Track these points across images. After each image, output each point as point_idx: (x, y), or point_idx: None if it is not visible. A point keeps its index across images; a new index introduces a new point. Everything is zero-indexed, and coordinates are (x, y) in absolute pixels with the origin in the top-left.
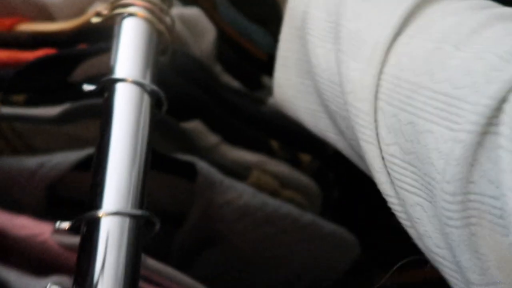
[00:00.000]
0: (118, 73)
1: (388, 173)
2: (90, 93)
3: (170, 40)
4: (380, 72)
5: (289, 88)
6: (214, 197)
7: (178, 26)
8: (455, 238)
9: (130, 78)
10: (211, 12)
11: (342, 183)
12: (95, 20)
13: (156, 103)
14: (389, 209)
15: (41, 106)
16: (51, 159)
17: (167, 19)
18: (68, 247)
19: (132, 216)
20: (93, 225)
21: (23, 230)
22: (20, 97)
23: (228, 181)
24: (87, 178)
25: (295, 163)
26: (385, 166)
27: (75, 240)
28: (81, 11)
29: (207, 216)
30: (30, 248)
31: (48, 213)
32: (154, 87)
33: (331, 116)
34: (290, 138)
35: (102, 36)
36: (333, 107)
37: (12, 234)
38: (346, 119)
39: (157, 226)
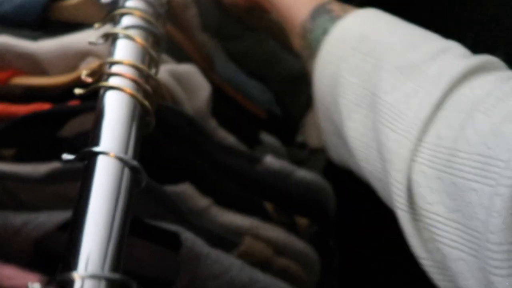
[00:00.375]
0: (101, 145)
1: (420, 235)
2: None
3: (153, 113)
4: (419, 142)
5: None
6: (199, 270)
7: (170, 83)
8: (501, 287)
9: (112, 152)
10: (207, 69)
11: (343, 249)
12: (78, 91)
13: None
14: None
15: (29, 163)
16: (36, 217)
17: (152, 83)
18: None
19: (107, 280)
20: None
21: (9, 281)
22: (10, 151)
23: (214, 253)
24: None
25: (291, 227)
26: (418, 229)
27: None
28: (73, 66)
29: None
30: None
31: (37, 266)
32: (135, 164)
33: (362, 172)
34: (287, 200)
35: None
36: (368, 168)
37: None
38: (383, 181)
39: None
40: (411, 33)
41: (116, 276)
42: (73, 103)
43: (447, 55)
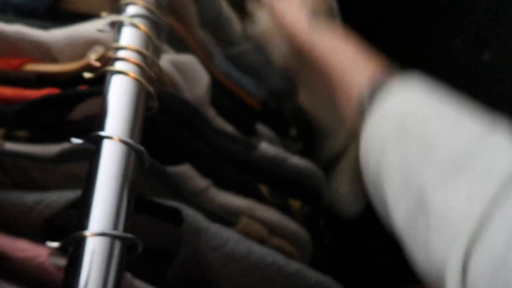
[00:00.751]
0: (107, 130)
1: None
2: (86, 133)
3: (156, 97)
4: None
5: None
6: (200, 244)
7: (171, 71)
8: None
9: (117, 137)
10: (206, 62)
11: (333, 230)
12: (87, 75)
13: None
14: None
15: (42, 144)
16: (47, 197)
17: (156, 69)
18: (62, 269)
19: (116, 237)
20: (80, 245)
21: (22, 252)
22: (23, 133)
23: (213, 228)
24: None
25: (284, 209)
26: None
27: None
28: (81, 54)
29: (195, 260)
30: (29, 270)
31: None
32: (139, 147)
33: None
34: (280, 184)
35: (100, 78)
36: (414, 250)
37: (13, 256)
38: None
39: (140, 248)
40: (455, 112)
41: (124, 234)
42: (82, 88)
43: (494, 140)
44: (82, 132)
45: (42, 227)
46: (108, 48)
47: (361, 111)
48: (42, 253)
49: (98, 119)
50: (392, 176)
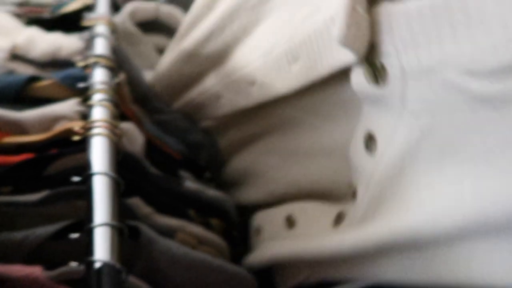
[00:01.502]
0: (95, 169)
1: None
2: (65, 183)
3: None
4: None
5: None
6: (153, 251)
7: None
8: None
9: (104, 172)
10: (139, 126)
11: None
12: (75, 138)
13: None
14: None
15: (24, 194)
16: (34, 231)
17: (118, 132)
18: (55, 279)
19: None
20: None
21: (19, 272)
22: (7, 188)
23: (161, 238)
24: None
25: (208, 225)
26: None
27: (60, 270)
28: (49, 127)
29: (148, 264)
30: (27, 285)
31: None
32: (119, 179)
33: None
34: (203, 208)
35: (66, 143)
36: None
37: (12, 276)
38: None
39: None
40: None
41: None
42: (53, 151)
43: None
44: (56, 183)
45: (26, 260)
46: (89, 121)
47: None
48: (36, 269)
49: (89, 164)
50: None
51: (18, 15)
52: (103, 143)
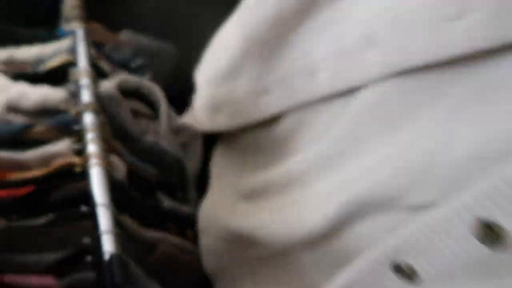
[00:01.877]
0: (97, 199)
1: None
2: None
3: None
4: None
5: None
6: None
7: None
8: None
9: (103, 202)
10: (120, 157)
11: None
12: (77, 169)
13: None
14: None
15: (30, 219)
16: (44, 256)
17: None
18: (65, 286)
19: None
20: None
21: (36, 280)
22: (14, 217)
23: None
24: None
25: (184, 235)
26: None
27: (69, 279)
28: (47, 163)
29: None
30: None
31: None
32: (113, 207)
33: None
34: (179, 222)
35: (64, 174)
36: None
37: (30, 285)
38: None
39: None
40: None
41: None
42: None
43: None
44: (57, 207)
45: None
46: (85, 155)
47: None
48: (50, 278)
49: (91, 193)
50: None
51: (4, 72)
52: (100, 172)
